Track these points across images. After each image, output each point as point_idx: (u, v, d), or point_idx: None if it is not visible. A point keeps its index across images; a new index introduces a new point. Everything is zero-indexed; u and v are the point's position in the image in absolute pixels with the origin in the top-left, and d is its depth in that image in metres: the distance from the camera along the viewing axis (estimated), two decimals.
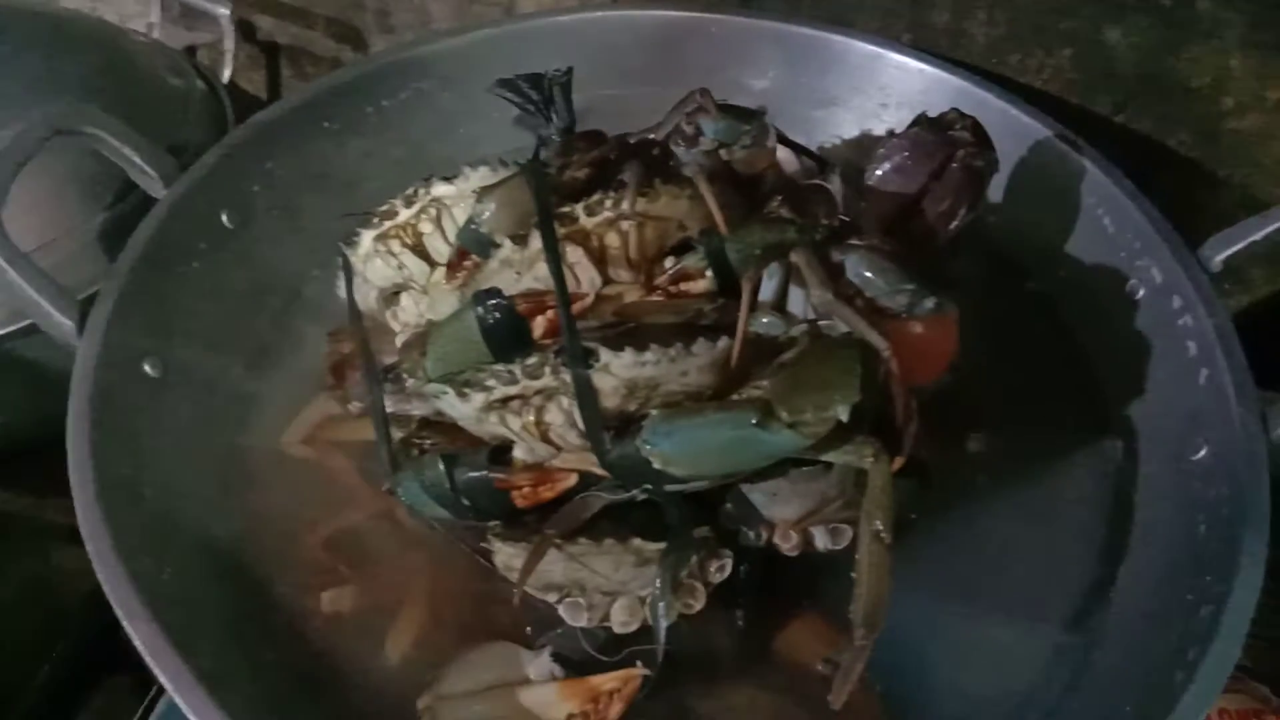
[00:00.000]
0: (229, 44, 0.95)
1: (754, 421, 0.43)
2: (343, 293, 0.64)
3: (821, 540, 0.54)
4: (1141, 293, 0.66)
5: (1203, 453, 0.58)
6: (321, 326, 0.68)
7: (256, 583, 0.58)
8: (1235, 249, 0.62)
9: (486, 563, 0.55)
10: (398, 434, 0.59)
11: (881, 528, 0.45)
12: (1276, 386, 0.58)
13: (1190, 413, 0.60)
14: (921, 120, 0.62)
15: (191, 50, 1.00)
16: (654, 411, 0.48)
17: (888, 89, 0.80)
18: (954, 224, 0.61)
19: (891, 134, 0.62)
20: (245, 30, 1.06)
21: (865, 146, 0.80)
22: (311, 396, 0.66)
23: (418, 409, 0.59)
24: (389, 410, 0.59)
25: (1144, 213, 0.66)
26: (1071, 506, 0.63)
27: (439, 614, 0.57)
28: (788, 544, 0.53)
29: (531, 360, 0.49)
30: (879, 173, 0.62)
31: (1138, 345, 0.65)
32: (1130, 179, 0.68)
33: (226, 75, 0.95)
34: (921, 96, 0.77)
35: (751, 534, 0.54)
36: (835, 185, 0.63)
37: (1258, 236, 0.62)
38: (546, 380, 0.49)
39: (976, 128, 0.62)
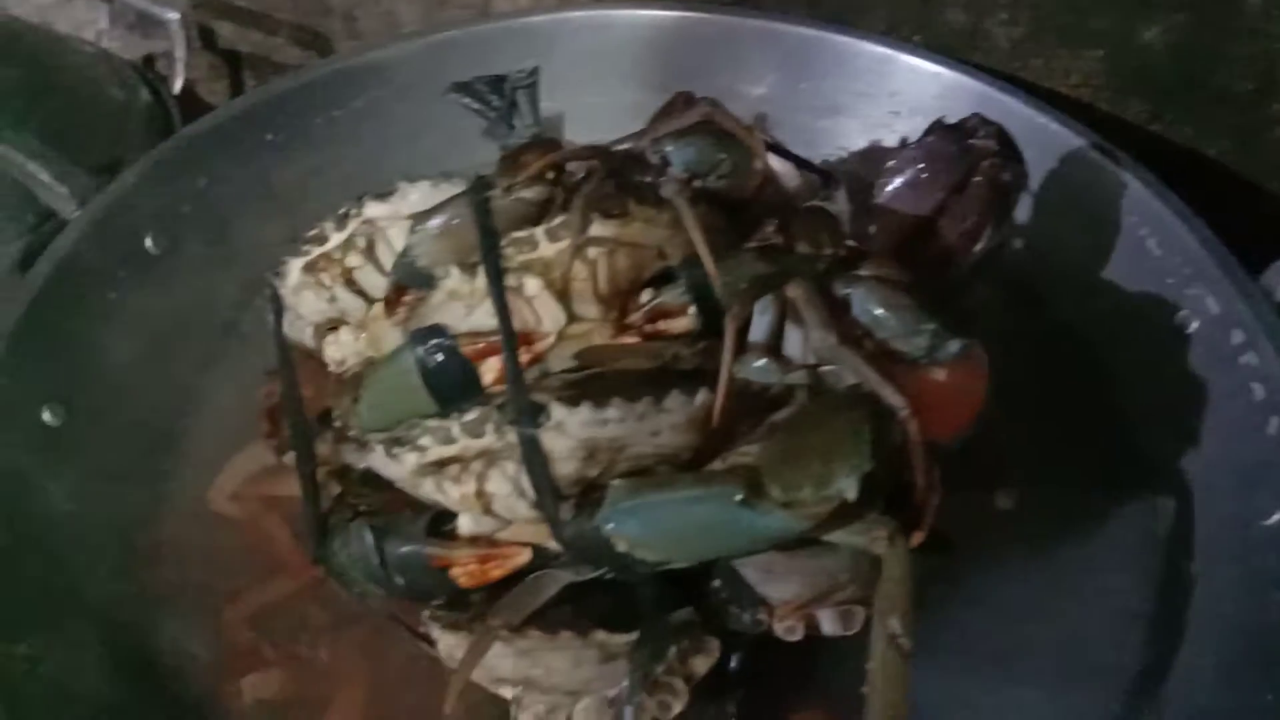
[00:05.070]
0: (179, 52, 0.87)
1: (738, 499, 0.35)
2: None
3: (829, 625, 0.45)
4: (1194, 325, 0.58)
5: (1275, 518, 0.49)
6: (258, 363, 0.59)
7: (166, 667, 0.51)
8: None
9: (430, 648, 0.47)
10: (336, 489, 0.51)
11: (899, 630, 0.36)
12: None
13: (1256, 468, 0.53)
14: (937, 127, 0.55)
15: (150, 60, 0.93)
16: (615, 482, 0.39)
17: (899, 95, 0.72)
18: (977, 247, 0.54)
19: (904, 143, 0.54)
20: (206, 38, 0.99)
21: (874, 159, 0.73)
22: (244, 444, 0.58)
23: (361, 460, 0.50)
24: (332, 463, 0.50)
25: (1196, 234, 0.59)
26: (1114, 576, 0.55)
27: (378, 707, 0.50)
28: (789, 632, 0.44)
29: (471, 415, 0.41)
30: (890, 188, 0.55)
31: (1189, 387, 0.57)
32: None
33: (178, 86, 0.87)
34: (937, 103, 0.70)
35: (745, 616, 0.45)
36: (840, 204, 0.56)
37: None
38: (489, 440, 0.41)
39: (1002, 135, 0.54)
